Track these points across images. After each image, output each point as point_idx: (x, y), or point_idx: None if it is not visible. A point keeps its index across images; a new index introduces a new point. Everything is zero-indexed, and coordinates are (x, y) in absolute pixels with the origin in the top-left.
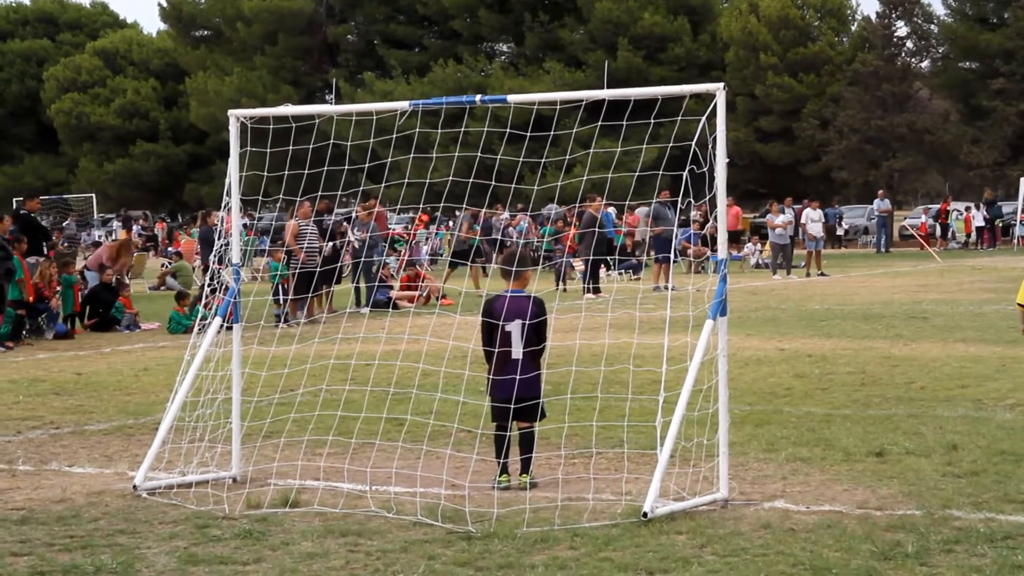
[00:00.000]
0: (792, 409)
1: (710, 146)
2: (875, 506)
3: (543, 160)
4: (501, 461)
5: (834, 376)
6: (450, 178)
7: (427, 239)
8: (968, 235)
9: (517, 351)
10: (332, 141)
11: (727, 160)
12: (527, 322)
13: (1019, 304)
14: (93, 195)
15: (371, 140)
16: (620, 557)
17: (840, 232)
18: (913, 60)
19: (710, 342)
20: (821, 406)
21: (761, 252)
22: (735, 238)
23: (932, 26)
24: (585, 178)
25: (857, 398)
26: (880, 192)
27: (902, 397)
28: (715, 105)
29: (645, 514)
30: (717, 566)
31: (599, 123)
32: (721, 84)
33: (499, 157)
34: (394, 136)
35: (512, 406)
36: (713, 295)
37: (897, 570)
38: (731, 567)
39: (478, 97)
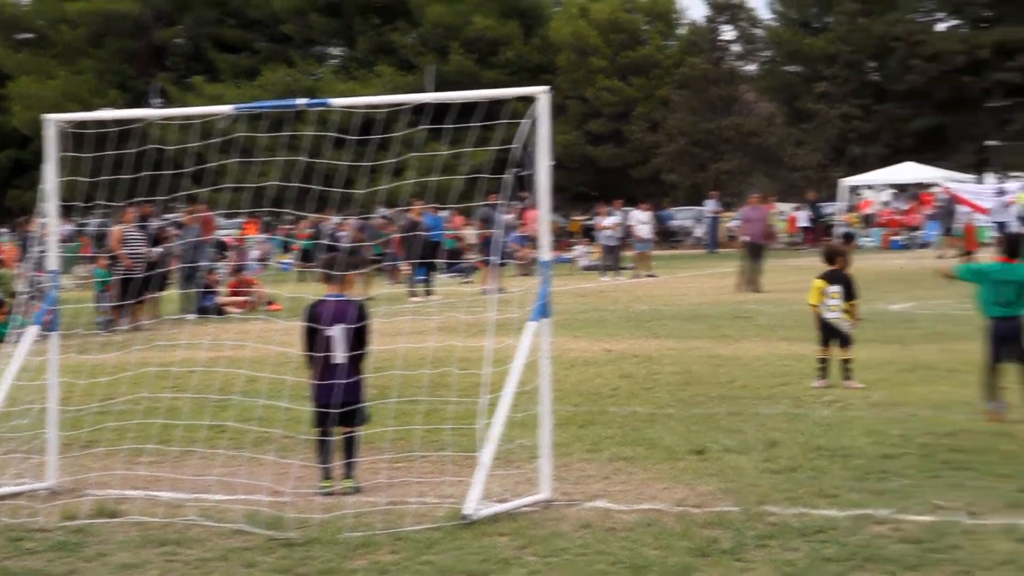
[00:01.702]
0: (617, 409)
1: (533, 148)
2: (694, 503)
3: (363, 164)
4: (324, 466)
5: (659, 376)
6: (273, 182)
7: (255, 245)
8: (792, 235)
9: (339, 355)
10: (156, 146)
11: (552, 163)
12: (349, 326)
13: (811, 304)
14: None
15: (194, 144)
16: (441, 560)
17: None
18: (739, 64)
19: (534, 344)
20: (646, 406)
21: (591, 254)
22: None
23: (757, 30)
24: (413, 181)
25: (681, 397)
26: (713, 193)
27: (725, 395)
28: (538, 108)
29: (465, 517)
30: (538, 567)
31: (424, 127)
32: (544, 87)
33: (323, 162)
34: (219, 140)
35: (334, 411)
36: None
37: (713, 566)
38: (551, 567)
39: (301, 101)
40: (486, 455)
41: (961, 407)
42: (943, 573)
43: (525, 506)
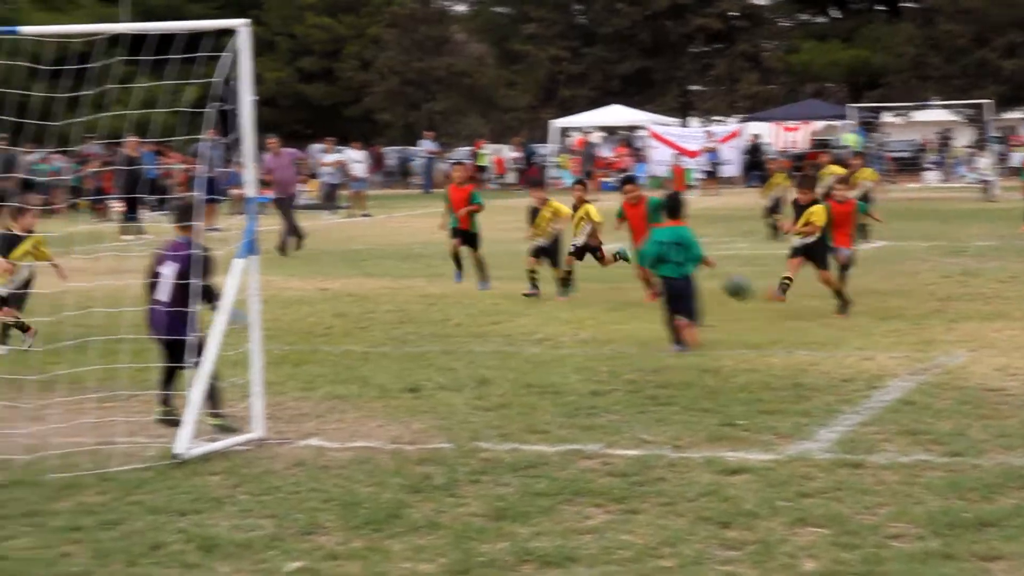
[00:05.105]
0: (331, 348)
1: (236, 83)
2: (408, 441)
3: (57, 95)
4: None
5: (374, 315)
6: None
7: None
8: (501, 175)
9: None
10: None
11: (255, 98)
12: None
13: None
14: None
15: None
16: (151, 500)
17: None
18: (449, 3)
19: (242, 282)
20: (360, 344)
21: (306, 192)
22: None
23: None
24: (112, 114)
25: (395, 336)
26: (428, 133)
27: (438, 334)
28: (239, 41)
29: (176, 456)
30: (250, 505)
31: (120, 58)
32: (244, 20)
33: (15, 92)
34: None
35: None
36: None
37: (425, 501)
38: (263, 505)
39: None
40: (196, 394)
41: (666, 344)
42: (649, 504)
43: (238, 445)
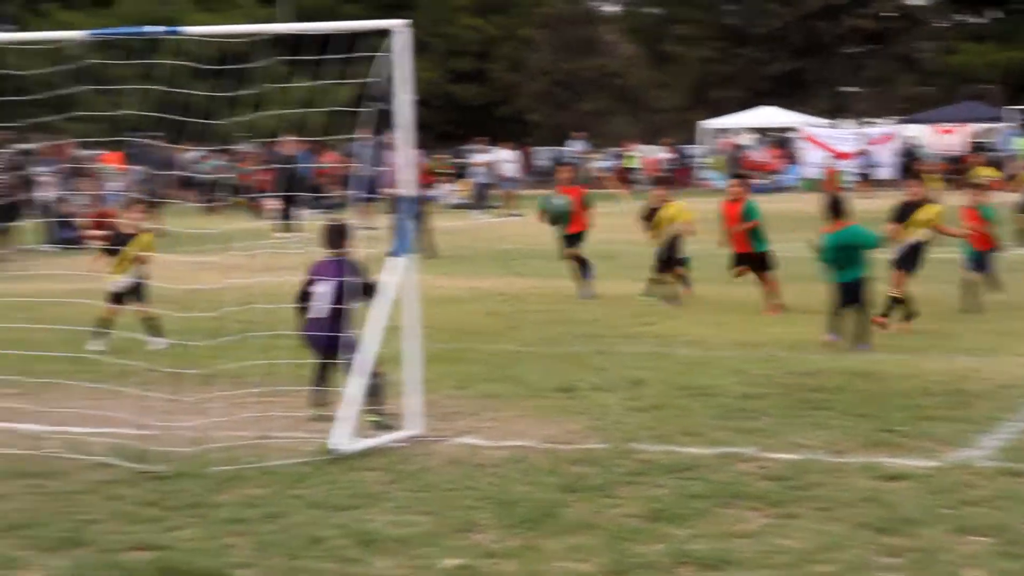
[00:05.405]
0: (483, 347)
1: (393, 83)
2: (562, 440)
3: (214, 94)
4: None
5: (525, 314)
6: (129, 112)
7: (121, 176)
8: (651, 177)
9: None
10: (6, 72)
11: (415, 98)
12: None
13: None
14: None
15: (46, 71)
16: (310, 494)
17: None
18: (597, 4)
19: (401, 279)
20: (512, 344)
21: (458, 192)
22: None
23: None
24: (272, 113)
25: (547, 336)
26: (579, 134)
27: (590, 334)
28: (397, 42)
29: (333, 451)
30: (407, 501)
31: (280, 58)
32: (403, 21)
33: (181, 91)
34: (72, 67)
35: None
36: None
37: (581, 502)
38: (420, 502)
39: (153, 29)
40: (353, 390)
41: (819, 347)
42: (806, 509)
43: (394, 441)
